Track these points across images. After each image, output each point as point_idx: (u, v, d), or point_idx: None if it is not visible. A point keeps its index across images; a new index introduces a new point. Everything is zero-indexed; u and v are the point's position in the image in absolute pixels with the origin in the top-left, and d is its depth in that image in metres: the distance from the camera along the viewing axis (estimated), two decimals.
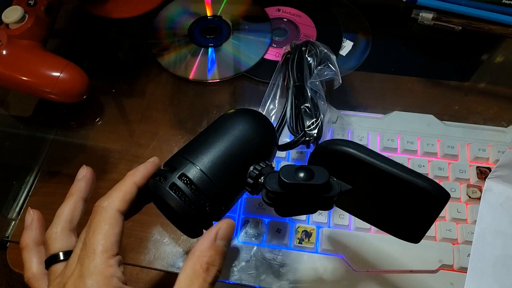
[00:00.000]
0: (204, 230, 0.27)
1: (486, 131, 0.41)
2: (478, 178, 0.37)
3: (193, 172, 0.25)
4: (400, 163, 0.25)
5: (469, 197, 0.37)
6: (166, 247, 0.36)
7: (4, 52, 0.37)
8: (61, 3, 0.44)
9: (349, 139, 0.30)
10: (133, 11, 0.49)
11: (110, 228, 0.23)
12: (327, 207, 0.27)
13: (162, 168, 0.28)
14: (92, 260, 0.22)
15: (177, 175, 0.25)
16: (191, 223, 0.25)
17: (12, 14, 0.37)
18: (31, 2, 0.40)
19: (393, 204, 0.26)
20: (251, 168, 0.27)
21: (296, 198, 0.25)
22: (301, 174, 0.24)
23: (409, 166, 0.38)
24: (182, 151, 0.27)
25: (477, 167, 0.38)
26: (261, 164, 0.27)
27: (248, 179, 0.26)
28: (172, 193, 0.25)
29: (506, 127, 0.41)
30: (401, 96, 0.44)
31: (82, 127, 0.43)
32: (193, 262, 0.23)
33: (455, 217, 0.36)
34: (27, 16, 0.38)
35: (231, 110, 0.29)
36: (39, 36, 0.39)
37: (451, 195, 0.37)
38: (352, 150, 0.25)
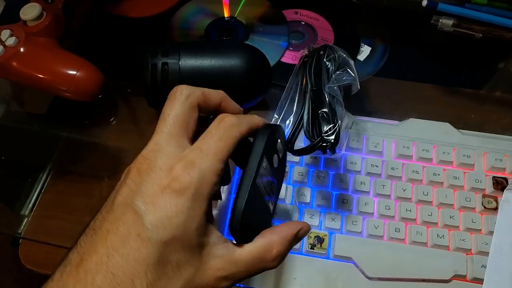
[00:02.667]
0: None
1: (503, 141, 0.41)
2: (494, 188, 0.38)
3: (172, 66, 0.37)
4: None
5: (484, 207, 0.37)
6: None
7: (21, 49, 0.38)
8: (78, 1, 0.44)
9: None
10: (151, 10, 0.50)
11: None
12: None
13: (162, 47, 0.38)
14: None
15: (162, 61, 0.37)
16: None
17: (30, 11, 0.38)
18: (49, 0, 0.40)
19: None
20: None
21: None
22: None
23: (424, 174, 0.40)
24: (182, 45, 0.39)
25: (493, 177, 0.38)
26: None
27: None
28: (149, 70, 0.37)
29: None
30: (418, 103, 0.44)
31: (96, 126, 0.44)
32: (269, 243, 0.25)
33: (469, 227, 0.37)
34: (45, 13, 0.39)
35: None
36: (56, 34, 0.40)
37: (466, 205, 0.38)
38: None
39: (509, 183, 0.38)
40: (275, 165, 0.28)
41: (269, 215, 0.28)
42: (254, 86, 0.41)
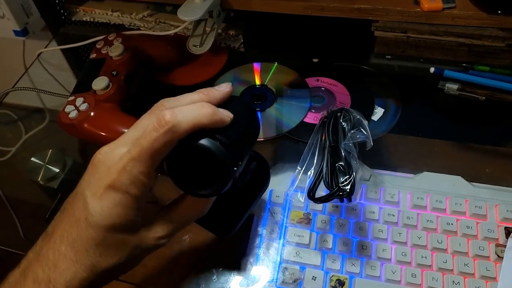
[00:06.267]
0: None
1: None
2: (506, 238, 0.38)
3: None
4: None
5: (498, 256, 0.38)
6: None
7: (91, 113, 0.45)
8: (136, 73, 0.52)
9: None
10: (194, 80, 0.56)
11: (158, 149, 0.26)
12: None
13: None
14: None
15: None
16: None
17: (100, 83, 0.46)
18: (114, 73, 0.48)
19: None
20: None
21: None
22: None
23: (438, 223, 0.41)
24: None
25: (505, 227, 0.39)
26: None
27: None
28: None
29: None
30: (430, 158, 0.46)
31: None
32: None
33: (484, 274, 0.37)
34: (111, 84, 0.46)
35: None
36: (118, 100, 0.47)
37: (480, 253, 0.38)
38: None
39: None
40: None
41: None
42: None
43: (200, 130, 0.26)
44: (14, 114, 0.59)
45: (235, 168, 0.27)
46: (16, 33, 0.92)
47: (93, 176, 0.27)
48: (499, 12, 0.48)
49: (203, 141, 0.26)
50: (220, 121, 0.28)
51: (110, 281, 0.29)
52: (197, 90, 0.30)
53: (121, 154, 0.26)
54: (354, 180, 0.36)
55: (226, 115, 0.28)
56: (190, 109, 0.26)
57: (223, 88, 0.30)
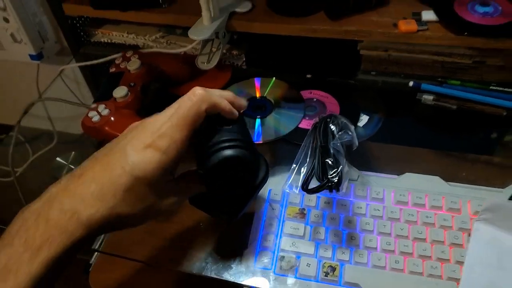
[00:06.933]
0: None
1: (485, 191, 0.46)
2: None
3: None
4: None
5: None
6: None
7: (112, 118, 0.50)
8: (150, 86, 0.57)
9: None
10: None
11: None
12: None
13: None
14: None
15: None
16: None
17: (120, 91, 0.51)
18: (132, 84, 0.53)
19: None
20: None
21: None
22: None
23: (418, 217, 0.44)
24: None
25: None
26: None
27: None
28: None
29: (503, 188, 0.46)
30: (411, 163, 0.50)
31: None
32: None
33: (459, 260, 0.41)
34: (129, 93, 0.52)
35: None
36: (135, 107, 0.52)
37: (455, 242, 0.42)
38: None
39: (477, 217, 0.43)
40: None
41: None
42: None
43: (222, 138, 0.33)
44: (22, 136, 0.61)
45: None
46: (32, 57, 0.96)
47: (136, 136, 0.31)
48: (465, 33, 0.54)
49: (230, 151, 0.32)
50: (239, 105, 0.35)
51: (115, 230, 0.32)
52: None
53: (162, 122, 0.31)
54: (341, 172, 0.39)
55: (243, 101, 0.35)
56: (217, 90, 0.34)
57: (244, 102, 0.36)
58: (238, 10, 0.61)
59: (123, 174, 0.30)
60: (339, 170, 0.40)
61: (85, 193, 0.29)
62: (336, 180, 0.39)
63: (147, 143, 0.30)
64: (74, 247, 0.29)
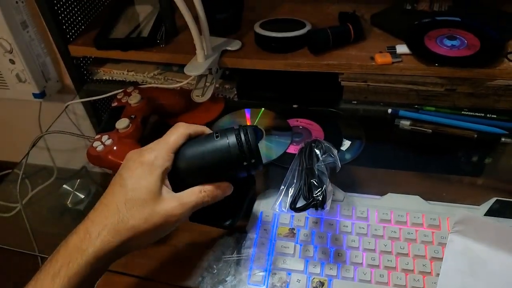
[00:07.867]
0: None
1: (462, 209, 0.48)
2: None
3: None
4: None
5: None
6: None
7: (114, 147, 0.53)
8: (150, 119, 0.61)
9: None
10: (199, 122, 0.61)
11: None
12: None
13: None
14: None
15: None
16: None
17: (122, 123, 0.55)
18: (133, 116, 0.57)
19: None
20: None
21: None
22: None
23: (401, 233, 0.46)
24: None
25: None
26: None
27: None
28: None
29: (479, 205, 0.49)
30: (393, 185, 0.52)
31: None
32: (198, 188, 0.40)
33: (439, 272, 0.43)
34: (130, 124, 0.55)
35: None
36: (136, 137, 0.56)
37: (435, 256, 0.44)
38: None
39: (451, 229, 0.45)
40: None
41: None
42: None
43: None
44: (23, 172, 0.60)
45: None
46: (35, 95, 1.00)
47: (126, 167, 0.39)
48: (435, 64, 0.58)
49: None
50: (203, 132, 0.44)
51: (132, 249, 0.37)
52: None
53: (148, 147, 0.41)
54: (325, 191, 0.42)
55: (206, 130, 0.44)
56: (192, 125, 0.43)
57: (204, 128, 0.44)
58: (229, 48, 0.66)
59: (120, 188, 0.38)
60: (323, 189, 0.43)
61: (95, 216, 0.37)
62: (320, 199, 0.42)
63: (138, 161, 0.39)
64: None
